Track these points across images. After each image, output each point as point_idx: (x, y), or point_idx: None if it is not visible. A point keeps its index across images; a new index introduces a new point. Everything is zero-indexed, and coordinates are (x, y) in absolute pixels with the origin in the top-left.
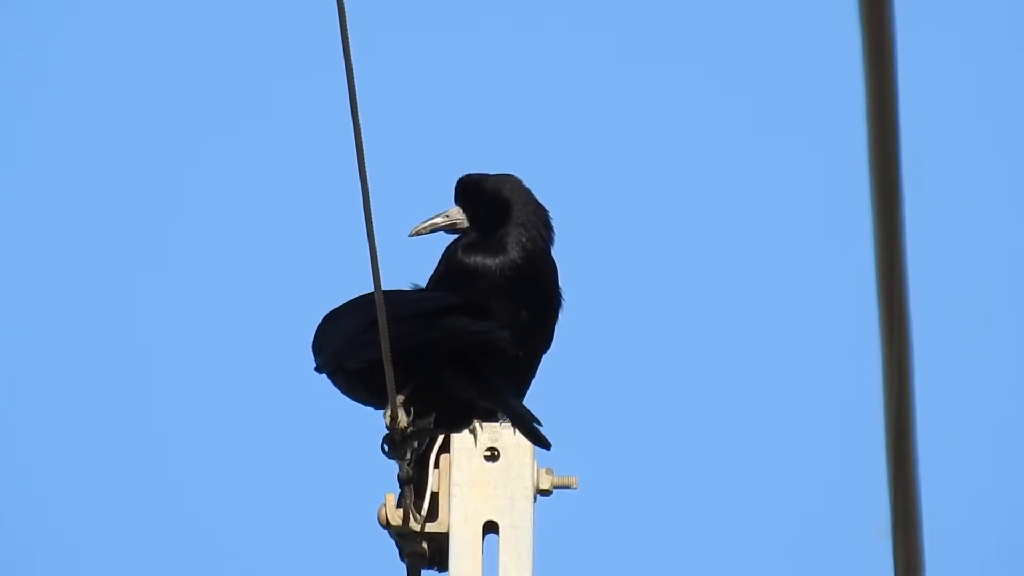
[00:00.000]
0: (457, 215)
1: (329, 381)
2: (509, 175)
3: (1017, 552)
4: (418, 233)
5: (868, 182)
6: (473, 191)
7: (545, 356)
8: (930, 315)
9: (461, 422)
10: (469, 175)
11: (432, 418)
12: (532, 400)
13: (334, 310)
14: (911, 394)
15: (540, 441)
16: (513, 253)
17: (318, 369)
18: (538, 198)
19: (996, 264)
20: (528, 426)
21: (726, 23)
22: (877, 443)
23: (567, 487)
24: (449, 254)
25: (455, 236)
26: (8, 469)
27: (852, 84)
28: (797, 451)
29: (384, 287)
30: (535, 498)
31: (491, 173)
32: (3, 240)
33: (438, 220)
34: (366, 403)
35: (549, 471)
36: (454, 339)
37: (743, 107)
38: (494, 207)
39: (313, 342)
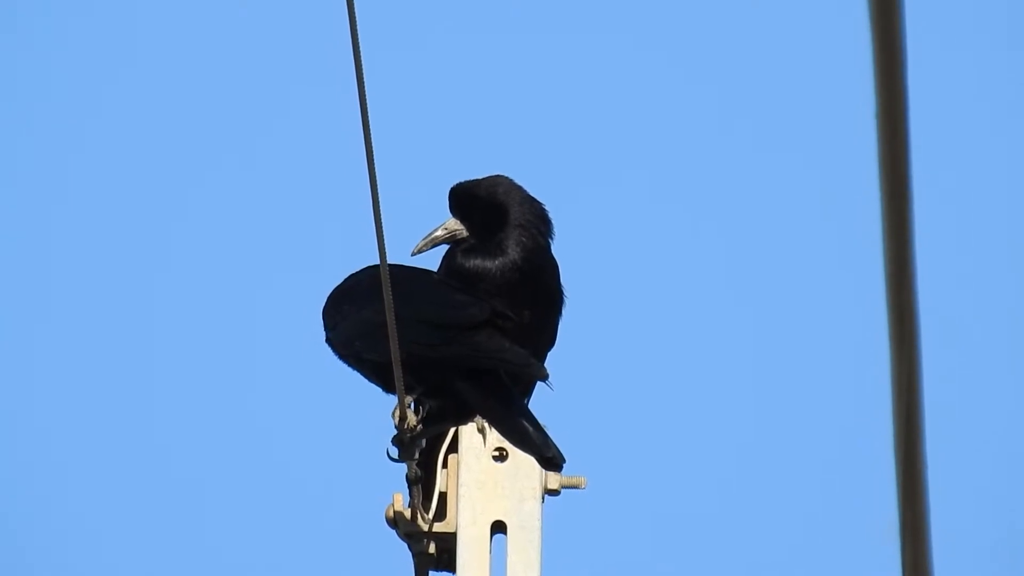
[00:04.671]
0: (455, 225)
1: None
2: (499, 176)
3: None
4: (420, 251)
5: (877, 185)
6: (467, 199)
7: (551, 355)
8: (940, 317)
9: (468, 414)
10: (460, 184)
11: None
12: (538, 400)
13: (354, 279)
14: (920, 396)
15: (550, 464)
16: (513, 254)
17: (329, 341)
18: (532, 193)
19: (1006, 265)
20: (537, 453)
21: (733, 25)
22: (886, 444)
23: (575, 487)
24: (450, 259)
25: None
26: (8, 469)
27: (861, 87)
28: (805, 452)
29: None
30: (543, 498)
31: (481, 177)
32: (12, 239)
33: (438, 233)
34: (371, 381)
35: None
36: (482, 360)
37: (750, 108)
38: (490, 211)
39: (327, 310)
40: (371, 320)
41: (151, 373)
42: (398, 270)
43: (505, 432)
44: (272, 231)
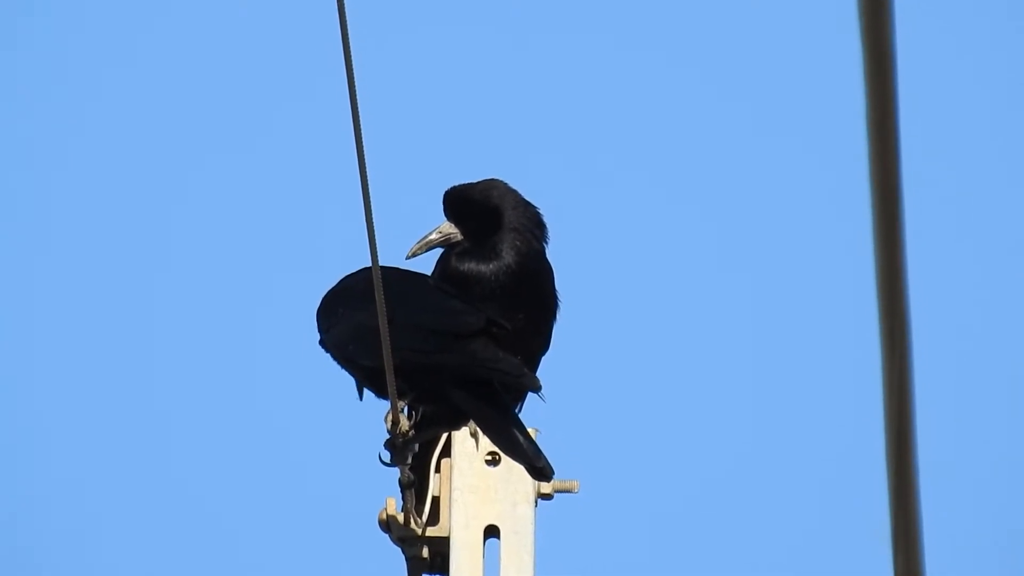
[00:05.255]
0: (450, 229)
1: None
2: (494, 180)
3: (1017, 560)
4: (415, 254)
5: (868, 183)
6: (461, 203)
7: (544, 359)
8: (932, 322)
9: (461, 419)
10: (454, 187)
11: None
12: (531, 404)
13: (349, 281)
14: (912, 401)
15: (540, 475)
16: (507, 258)
17: (323, 343)
18: (526, 197)
19: (999, 269)
20: (528, 463)
21: (727, 22)
22: (878, 450)
23: (568, 491)
24: (444, 263)
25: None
26: (8, 469)
27: (852, 84)
28: (798, 457)
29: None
30: (536, 502)
31: (475, 181)
32: (12, 240)
33: (433, 237)
34: (364, 385)
35: None
36: (477, 369)
37: (743, 109)
38: (485, 215)
39: (321, 312)
40: (365, 324)
41: (146, 376)
42: (392, 273)
43: (496, 440)
44: (266, 233)
